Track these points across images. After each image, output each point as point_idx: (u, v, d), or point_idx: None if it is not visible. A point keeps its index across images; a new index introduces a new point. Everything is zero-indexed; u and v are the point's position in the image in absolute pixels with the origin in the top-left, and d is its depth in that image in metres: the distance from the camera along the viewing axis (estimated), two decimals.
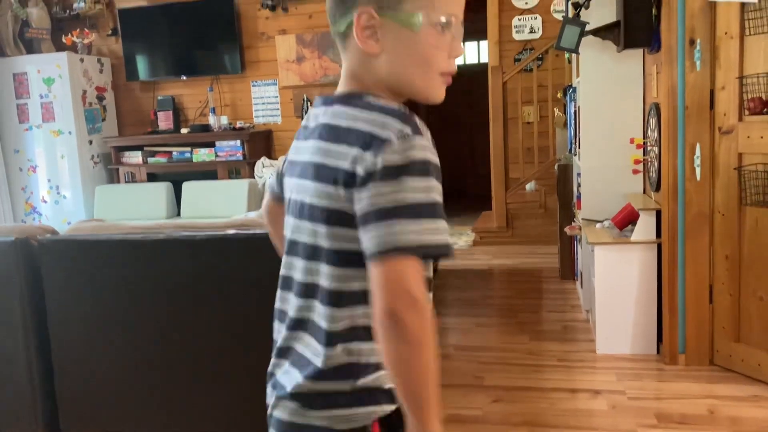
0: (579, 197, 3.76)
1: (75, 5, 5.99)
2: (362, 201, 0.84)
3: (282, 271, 1.03)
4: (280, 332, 1.04)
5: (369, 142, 0.85)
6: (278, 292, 1.05)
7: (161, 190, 5.62)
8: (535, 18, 5.33)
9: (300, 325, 0.98)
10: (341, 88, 0.97)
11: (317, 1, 5.63)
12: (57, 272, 2.35)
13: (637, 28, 3.06)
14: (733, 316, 2.80)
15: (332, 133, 0.91)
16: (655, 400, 2.64)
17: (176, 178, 5.70)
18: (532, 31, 5.36)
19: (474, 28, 7.36)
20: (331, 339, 0.92)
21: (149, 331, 2.31)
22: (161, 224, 2.42)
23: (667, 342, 2.95)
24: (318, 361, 0.93)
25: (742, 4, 2.57)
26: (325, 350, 0.92)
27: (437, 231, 0.83)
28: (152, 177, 5.84)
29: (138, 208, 5.58)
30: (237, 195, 5.32)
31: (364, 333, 0.91)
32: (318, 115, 0.97)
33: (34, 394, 2.40)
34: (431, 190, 0.84)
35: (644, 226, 3.03)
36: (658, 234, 3.00)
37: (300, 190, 0.97)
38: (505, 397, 2.72)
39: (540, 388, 2.79)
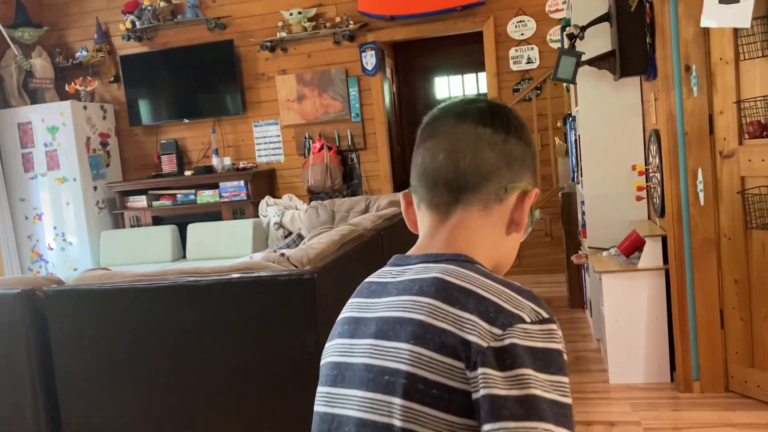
0: (584, 225, 3.75)
1: (77, 54, 6.09)
2: (486, 383, 0.70)
3: None
4: None
5: (491, 312, 0.73)
6: None
7: (166, 233, 5.63)
8: (532, 48, 5.38)
9: None
10: (437, 249, 0.85)
11: (315, 40, 5.71)
12: (63, 322, 2.34)
13: (632, 56, 3.09)
14: (746, 341, 2.76)
15: (441, 290, 0.77)
16: (672, 430, 2.60)
17: (181, 220, 5.72)
18: (529, 61, 5.41)
19: (472, 60, 7.45)
20: None
21: (157, 378, 2.29)
22: (166, 270, 2.42)
23: (681, 369, 2.91)
24: None
25: (736, 30, 2.59)
26: None
27: None
28: (157, 220, 5.87)
29: (144, 252, 5.59)
30: (242, 235, 5.32)
31: None
32: (403, 272, 0.84)
33: None
34: (567, 392, 0.72)
35: (651, 253, 3.01)
36: (665, 260, 2.98)
37: (371, 352, 0.80)
38: None
39: None
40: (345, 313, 0.89)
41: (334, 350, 0.86)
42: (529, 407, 0.68)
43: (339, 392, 0.82)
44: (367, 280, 0.91)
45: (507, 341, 0.70)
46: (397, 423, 0.74)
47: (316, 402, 0.87)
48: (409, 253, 0.88)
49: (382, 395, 0.76)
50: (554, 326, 0.74)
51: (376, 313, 0.82)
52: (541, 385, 0.69)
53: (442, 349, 0.73)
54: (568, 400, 0.71)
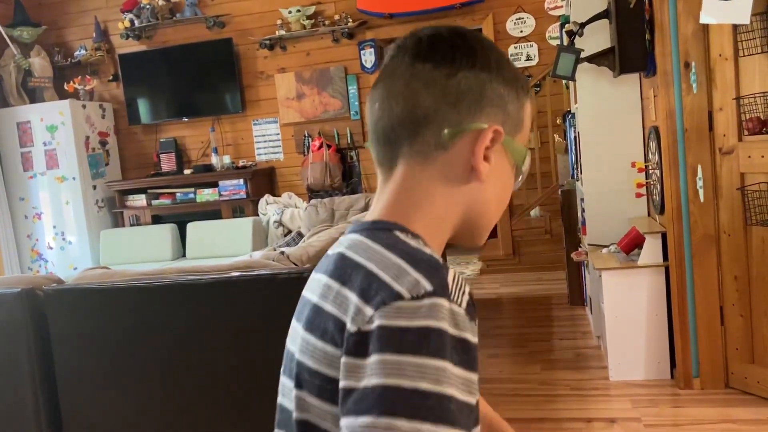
0: (584, 223, 3.75)
1: (76, 53, 6.09)
2: (345, 373, 0.62)
3: None
4: None
5: (372, 289, 0.64)
6: None
7: (166, 231, 5.63)
8: (531, 45, 5.38)
9: None
10: (372, 214, 0.76)
11: (314, 39, 5.71)
12: (63, 321, 2.34)
13: (631, 53, 3.09)
14: (746, 337, 2.76)
15: (339, 267, 0.71)
16: (673, 426, 2.60)
17: (181, 219, 5.72)
18: (528, 58, 5.41)
19: None
20: None
21: (157, 376, 2.29)
22: (166, 269, 2.42)
23: (681, 366, 2.92)
24: None
25: (735, 26, 2.59)
26: None
27: None
28: (157, 219, 5.87)
29: (143, 251, 5.59)
30: (241, 233, 5.32)
31: None
32: (342, 242, 0.76)
33: None
34: (445, 379, 0.59)
35: (651, 250, 3.01)
36: (665, 257, 2.98)
37: (291, 337, 0.76)
38: (520, 430, 2.67)
39: (555, 418, 2.75)
40: None
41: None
42: (376, 399, 0.58)
43: (281, 379, 0.79)
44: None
45: (375, 323, 0.61)
46: (295, 412, 0.71)
47: None
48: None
49: (287, 380, 0.75)
50: (440, 300, 0.62)
51: (307, 292, 0.77)
52: (400, 372, 0.58)
53: (324, 336, 0.67)
54: (443, 389, 0.59)
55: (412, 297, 0.62)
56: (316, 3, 5.65)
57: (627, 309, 3.04)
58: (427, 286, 0.63)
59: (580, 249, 3.92)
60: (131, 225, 5.89)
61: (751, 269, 2.71)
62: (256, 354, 2.18)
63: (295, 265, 2.34)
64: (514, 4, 5.37)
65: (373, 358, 0.60)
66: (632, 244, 3.14)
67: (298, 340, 0.72)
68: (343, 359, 0.62)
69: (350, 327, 0.63)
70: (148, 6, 5.84)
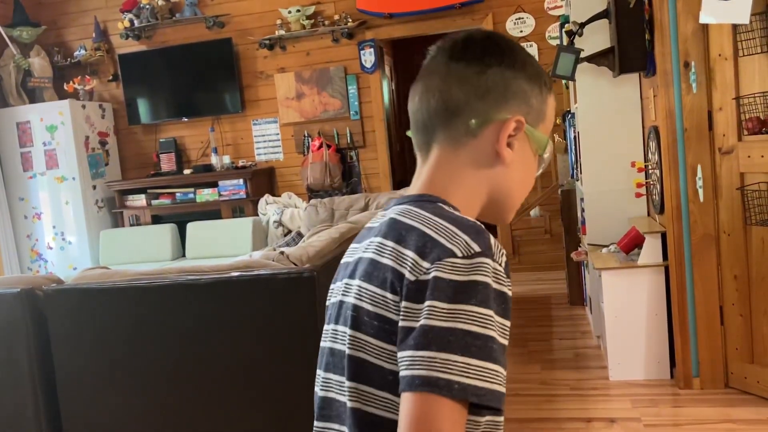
0: (584, 222, 3.75)
1: (75, 53, 6.08)
2: (406, 315, 0.73)
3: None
4: None
5: (427, 247, 0.75)
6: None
7: (166, 231, 5.63)
8: (531, 45, 5.38)
9: None
10: (414, 190, 0.88)
11: (314, 38, 5.71)
12: (63, 321, 2.34)
13: (631, 53, 3.09)
14: (746, 337, 2.76)
15: (393, 229, 0.81)
16: (673, 426, 2.60)
17: (180, 219, 5.72)
18: None
19: None
20: None
21: (157, 376, 2.29)
22: (166, 269, 2.42)
23: (681, 366, 2.92)
24: None
25: (735, 26, 2.59)
26: None
27: (489, 375, 0.69)
28: (156, 219, 5.86)
29: (143, 251, 5.58)
30: (241, 233, 5.32)
31: None
32: (386, 215, 0.86)
33: None
34: (491, 324, 0.71)
35: (650, 250, 3.01)
36: (665, 257, 2.98)
37: (342, 291, 0.86)
38: (520, 430, 2.67)
39: (554, 418, 2.75)
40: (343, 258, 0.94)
41: (329, 295, 0.93)
42: (432, 338, 0.69)
43: (329, 329, 0.89)
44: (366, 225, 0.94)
45: (432, 274, 0.72)
46: (348, 350, 0.80)
47: None
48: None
49: (341, 327, 0.83)
50: (486, 260, 0.73)
51: (354, 255, 0.87)
52: (455, 317, 0.70)
53: (383, 285, 0.77)
54: (488, 332, 0.70)
55: (464, 255, 0.73)
56: (316, 3, 5.65)
57: (627, 309, 3.04)
58: (476, 247, 0.74)
59: (579, 249, 3.92)
60: (131, 225, 5.88)
61: (751, 269, 2.71)
62: (256, 353, 2.18)
63: (295, 265, 2.34)
64: (513, 4, 5.37)
65: (429, 303, 0.71)
66: (632, 243, 3.14)
67: (353, 290, 0.82)
68: (404, 303, 0.73)
69: (409, 276, 0.74)
70: (147, 6, 5.84)
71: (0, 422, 2.42)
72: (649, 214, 3.49)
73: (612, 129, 3.49)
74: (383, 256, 0.79)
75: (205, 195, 5.71)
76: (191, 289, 2.24)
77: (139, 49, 6.03)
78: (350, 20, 5.52)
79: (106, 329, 2.31)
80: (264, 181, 5.85)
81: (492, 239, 0.76)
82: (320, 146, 5.63)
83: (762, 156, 2.57)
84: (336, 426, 0.84)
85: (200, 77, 5.86)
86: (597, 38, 3.37)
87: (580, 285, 4.30)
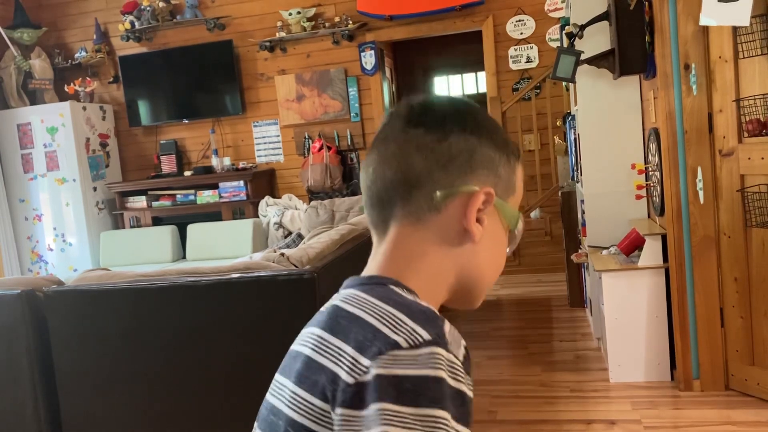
0: (584, 224, 3.75)
1: (76, 55, 6.09)
2: (346, 424, 0.61)
3: None
4: None
5: (367, 340, 0.64)
6: None
7: (166, 233, 5.63)
8: (531, 47, 5.38)
9: None
10: (367, 272, 0.77)
11: (315, 40, 5.71)
12: (63, 323, 2.34)
13: (631, 55, 3.09)
14: (746, 339, 2.76)
15: (332, 319, 0.70)
16: (673, 428, 2.60)
17: (181, 220, 5.72)
18: (528, 60, 5.41)
19: (471, 60, 7.45)
20: None
21: (157, 378, 2.29)
22: (166, 270, 2.42)
23: (681, 368, 2.91)
24: None
25: (735, 28, 2.59)
26: None
27: None
28: (157, 221, 5.87)
29: (144, 253, 5.59)
30: (241, 235, 5.32)
31: None
32: (336, 297, 0.75)
33: None
34: (445, 429, 0.59)
35: (651, 251, 3.01)
36: (665, 258, 2.98)
37: (275, 391, 0.74)
38: None
39: (555, 420, 2.75)
40: None
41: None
42: None
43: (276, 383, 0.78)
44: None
45: (371, 373, 0.61)
46: None
47: None
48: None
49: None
50: (438, 350, 0.62)
51: (294, 345, 0.77)
52: (401, 421, 0.58)
53: (314, 390, 0.66)
54: None
55: (410, 345, 0.62)
56: (317, 5, 5.66)
57: (627, 310, 3.04)
58: (425, 335, 0.63)
59: (580, 250, 3.92)
60: (131, 226, 5.89)
61: (751, 271, 2.71)
62: (256, 355, 2.18)
63: (295, 266, 2.34)
64: (514, 6, 5.37)
65: (373, 408, 0.59)
66: (632, 245, 3.14)
67: (285, 394, 0.71)
68: (339, 411, 0.62)
69: (346, 379, 0.62)
70: (148, 8, 5.84)
71: (0, 423, 2.42)
72: (649, 216, 3.49)
73: (612, 131, 3.49)
74: (320, 354, 0.68)
75: (206, 197, 5.71)
76: (191, 291, 2.24)
77: (140, 50, 6.05)
78: (351, 22, 5.53)
79: (106, 330, 2.31)
80: (264, 182, 5.86)
81: (448, 327, 0.65)
82: (321, 148, 5.63)
83: (762, 158, 2.57)
84: None
85: (201, 79, 5.87)
86: (597, 40, 3.37)
87: (580, 287, 4.30)
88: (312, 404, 0.65)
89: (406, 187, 0.74)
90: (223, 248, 5.30)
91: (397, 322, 0.64)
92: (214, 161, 5.81)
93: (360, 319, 0.67)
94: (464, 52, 7.43)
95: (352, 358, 0.63)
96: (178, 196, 5.80)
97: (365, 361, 0.62)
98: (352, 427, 0.60)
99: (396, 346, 0.62)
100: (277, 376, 0.76)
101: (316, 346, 0.69)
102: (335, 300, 0.74)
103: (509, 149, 0.78)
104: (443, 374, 0.60)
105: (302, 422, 0.66)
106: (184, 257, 5.63)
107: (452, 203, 0.74)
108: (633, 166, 3.38)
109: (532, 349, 3.63)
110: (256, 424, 0.77)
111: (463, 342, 0.66)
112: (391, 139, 0.76)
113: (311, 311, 2.33)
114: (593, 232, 3.57)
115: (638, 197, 3.41)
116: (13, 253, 5.81)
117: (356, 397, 0.61)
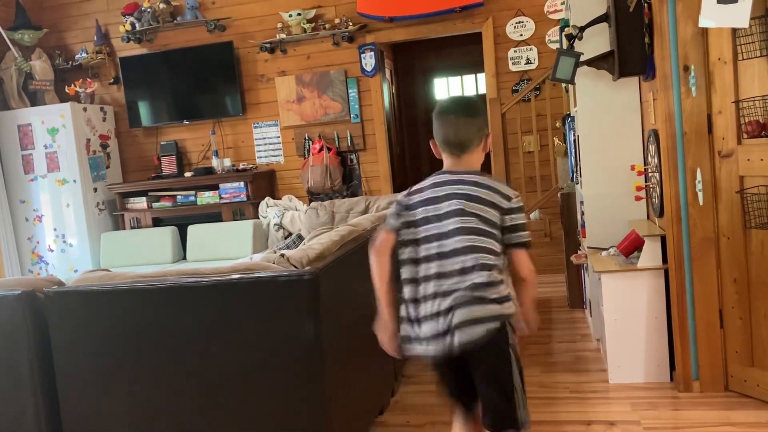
0: (583, 225, 3.75)
1: (77, 56, 6.10)
2: (512, 219, 1.86)
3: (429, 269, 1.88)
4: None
5: (504, 191, 1.88)
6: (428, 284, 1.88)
7: (166, 234, 5.64)
8: (531, 49, 5.39)
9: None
10: (466, 168, 1.94)
11: (315, 42, 5.72)
12: (64, 324, 2.35)
13: (631, 56, 3.09)
14: (746, 340, 2.77)
15: (488, 186, 1.88)
16: (672, 429, 2.60)
17: (181, 221, 5.73)
18: (528, 62, 5.42)
19: (471, 61, 7.46)
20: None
21: (157, 379, 2.29)
22: (166, 271, 2.42)
23: (680, 369, 2.92)
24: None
25: (734, 30, 2.60)
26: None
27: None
28: (157, 221, 5.87)
29: (144, 253, 5.59)
30: (242, 236, 5.33)
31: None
32: (449, 179, 1.91)
33: None
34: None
35: (650, 253, 3.01)
36: (665, 260, 2.99)
37: (466, 207, 1.87)
38: None
39: (554, 421, 2.75)
40: (420, 214, 1.91)
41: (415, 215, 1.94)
42: (524, 225, 1.88)
43: (432, 232, 1.96)
44: (421, 185, 1.96)
45: (513, 203, 1.87)
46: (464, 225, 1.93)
47: None
48: (445, 170, 1.96)
49: (474, 218, 1.91)
50: (519, 196, 1.90)
51: (446, 191, 1.90)
52: (524, 218, 1.88)
53: (492, 206, 1.86)
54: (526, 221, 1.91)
55: (516, 196, 1.89)
56: (317, 6, 5.67)
57: (626, 312, 3.04)
58: (514, 191, 1.89)
59: (579, 252, 3.92)
60: (132, 227, 5.89)
61: (751, 272, 2.72)
62: (256, 355, 2.19)
63: (296, 267, 2.34)
64: (513, 8, 5.38)
65: (518, 215, 1.88)
66: (632, 246, 3.15)
67: (477, 208, 1.87)
68: (507, 216, 1.86)
69: (505, 205, 1.86)
70: (149, 9, 5.85)
71: (1, 424, 2.42)
72: (648, 217, 3.49)
73: (611, 132, 3.49)
74: (481, 194, 1.86)
75: (206, 197, 5.72)
76: (192, 292, 2.24)
77: (141, 52, 6.06)
78: (351, 24, 5.54)
79: (106, 331, 2.31)
80: (265, 183, 5.86)
81: None
82: (321, 149, 5.64)
83: (761, 159, 2.58)
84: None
85: (201, 80, 5.88)
86: (597, 42, 3.38)
87: (579, 288, 4.30)
88: (493, 213, 1.87)
89: (471, 138, 1.93)
90: (223, 249, 5.31)
91: (506, 187, 1.90)
92: (215, 162, 5.82)
93: (493, 185, 1.89)
94: (464, 54, 7.44)
95: (505, 196, 1.88)
96: (179, 197, 5.81)
97: (512, 199, 1.88)
98: (513, 219, 1.87)
99: (515, 195, 1.89)
100: (433, 232, 1.91)
101: (476, 191, 1.89)
102: (473, 176, 1.92)
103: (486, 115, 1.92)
104: (522, 204, 1.91)
105: (488, 217, 1.87)
106: (184, 258, 5.64)
107: (483, 140, 1.96)
108: (632, 168, 3.38)
109: (532, 350, 3.64)
110: (432, 271, 1.90)
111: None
112: (460, 119, 1.94)
113: (311, 312, 2.33)
114: (593, 233, 3.58)
115: (638, 198, 3.42)
116: (14, 254, 5.82)
117: (511, 210, 1.87)
